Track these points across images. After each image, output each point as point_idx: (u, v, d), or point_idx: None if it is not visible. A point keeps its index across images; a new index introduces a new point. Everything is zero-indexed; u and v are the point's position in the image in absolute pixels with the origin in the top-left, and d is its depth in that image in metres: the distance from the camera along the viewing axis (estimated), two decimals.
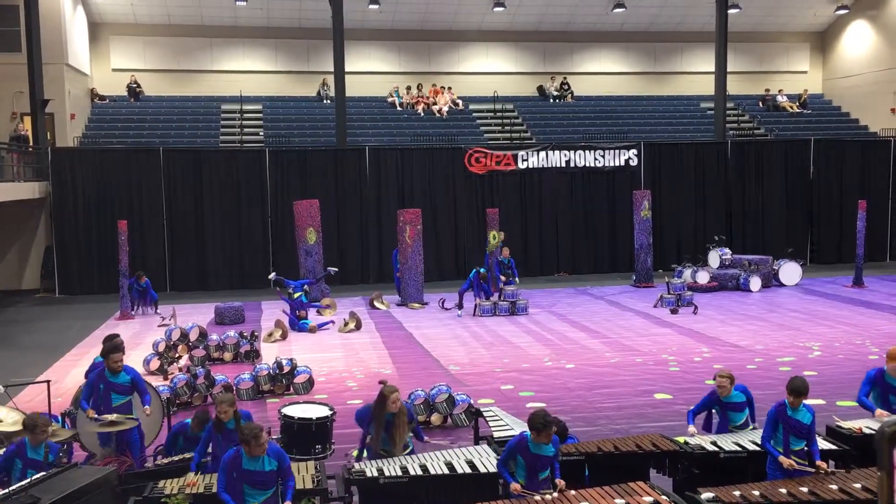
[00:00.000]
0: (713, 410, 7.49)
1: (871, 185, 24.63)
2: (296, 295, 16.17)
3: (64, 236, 21.20)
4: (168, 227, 21.66)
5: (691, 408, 7.44)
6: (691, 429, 7.22)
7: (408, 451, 7.04)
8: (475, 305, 17.40)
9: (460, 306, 17.45)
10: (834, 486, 5.95)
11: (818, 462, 6.27)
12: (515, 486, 5.92)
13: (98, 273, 21.12)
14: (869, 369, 7.68)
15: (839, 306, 17.41)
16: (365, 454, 7.18)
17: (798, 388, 6.33)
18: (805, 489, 5.95)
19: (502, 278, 18.26)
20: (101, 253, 21.00)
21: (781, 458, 6.29)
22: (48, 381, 9.25)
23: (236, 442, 6.63)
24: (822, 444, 6.72)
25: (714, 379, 7.32)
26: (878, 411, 7.29)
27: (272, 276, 17.57)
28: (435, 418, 9.64)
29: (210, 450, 6.84)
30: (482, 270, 17.91)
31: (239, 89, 25.65)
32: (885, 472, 1.33)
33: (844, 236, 24.23)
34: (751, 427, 7.23)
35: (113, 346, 7.99)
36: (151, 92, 26.67)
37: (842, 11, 29.14)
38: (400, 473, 6.40)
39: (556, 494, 5.80)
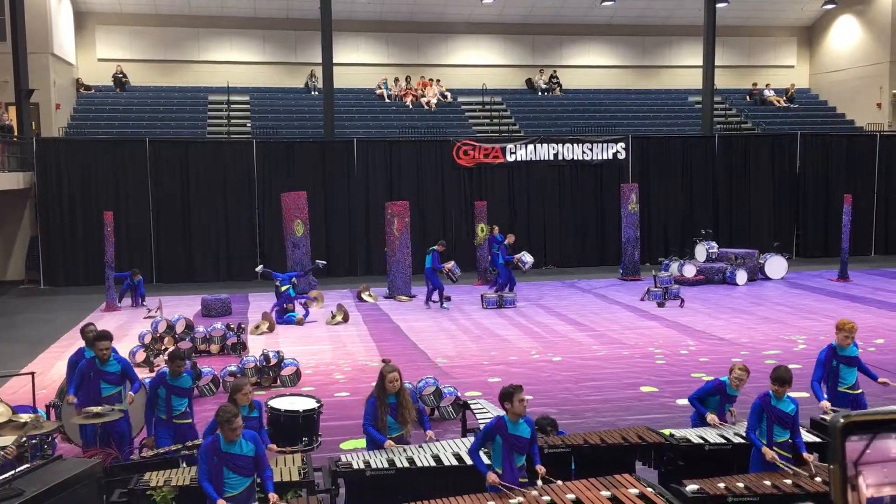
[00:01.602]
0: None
1: (857, 180, 24.79)
2: (283, 288, 16.10)
3: (49, 227, 21.05)
4: (154, 219, 21.55)
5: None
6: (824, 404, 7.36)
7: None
8: (447, 273, 17.38)
9: (445, 300, 17.44)
10: (818, 479, 5.99)
11: (804, 455, 6.29)
12: (493, 477, 5.79)
13: (83, 264, 20.99)
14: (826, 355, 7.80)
15: (824, 300, 17.53)
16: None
17: (782, 377, 6.35)
18: (789, 481, 6.00)
19: (517, 258, 18.08)
20: (86, 244, 20.87)
21: (764, 450, 6.30)
22: (32, 373, 9.19)
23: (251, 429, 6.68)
24: (806, 437, 6.76)
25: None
26: (824, 403, 7.38)
27: (259, 268, 17.50)
28: None
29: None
30: (436, 248, 17.57)
31: (226, 80, 25.51)
32: (838, 465, 1.34)
33: (830, 230, 24.38)
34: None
35: (100, 333, 7.93)
36: (137, 82, 26.48)
37: (829, 6, 29.24)
38: (387, 466, 6.40)
39: (539, 484, 5.75)
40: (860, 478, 1.36)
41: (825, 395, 7.54)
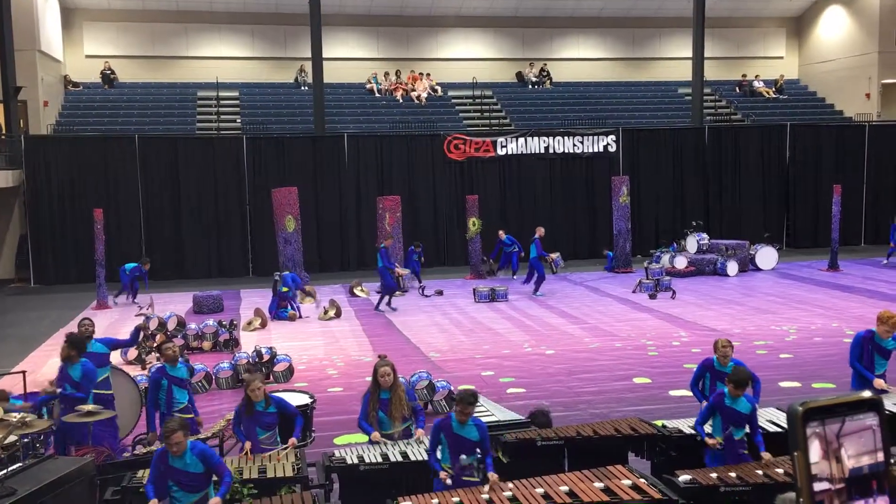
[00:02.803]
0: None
1: (846, 170, 24.88)
2: (285, 290, 15.95)
3: (38, 225, 20.95)
4: (144, 216, 21.47)
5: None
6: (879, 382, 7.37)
7: (406, 424, 6.97)
8: (397, 278, 17.05)
9: (437, 293, 17.39)
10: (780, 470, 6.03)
11: (762, 454, 6.26)
12: (444, 474, 5.83)
13: (74, 262, 20.90)
14: (857, 335, 7.68)
15: (815, 290, 17.61)
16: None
17: (738, 380, 6.33)
18: (780, 470, 6.03)
19: (551, 256, 18.22)
20: (76, 242, 20.79)
21: (707, 439, 6.37)
22: (24, 372, 9.17)
23: (264, 425, 6.63)
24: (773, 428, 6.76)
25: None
26: (877, 381, 7.38)
27: (277, 276, 16.98)
28: None
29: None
30: (385, 244, 16.88)
31: (215, 76, 25.38)
32: (801, 451, 1.40)
33: (820, 221, 24.49)
34: None
35: (80, 335, 8.00)
36: (126, 78, 26.33)
37: None
38: (380, 460, 6.40)
39: (486, 489, 5.58)
40: (842, 450, 1.43)
41: (872, 374, 7.43)
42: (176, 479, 5.58)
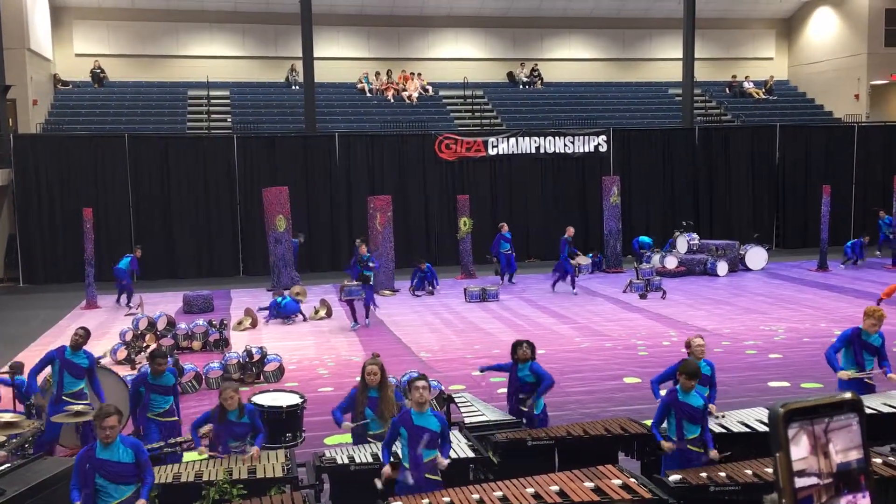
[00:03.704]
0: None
1: (836, 171, 25.01)
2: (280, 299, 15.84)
3: (28, 224, 20.85)
4: (134, 215, 21.38)
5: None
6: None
7: None
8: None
9: (427, 295, 17.37)
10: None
11: (711, 451, 6.29)
12: (386, 470, 5.81)
13: (63, 262, 20.80)
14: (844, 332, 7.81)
15: (804, 290, 17.69)
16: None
17: (692, 371, 6.33)
18: (770, 469, 6.06)
19: (580, 259, 18.34)
20: (66, 241, 20.69)
21: (662, 443, 6.34)
22: (13, 372, 9.09)
23: (234, 434, 6.57)
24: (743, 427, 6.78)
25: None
26: (842, 372, 7.45)
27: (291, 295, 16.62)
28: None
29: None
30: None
31: (206, 75, 25.29)
32: (783, 452, 1.42)
33: (809, 221, 24.60)
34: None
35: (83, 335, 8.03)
36: (116, 77, 26.21)
37: None
38: (371, 460, 6.40)
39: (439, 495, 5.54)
40: (830, 445, 1.45)
41: (840, 366, 7.53)
42: (105, 472, 5.38)
